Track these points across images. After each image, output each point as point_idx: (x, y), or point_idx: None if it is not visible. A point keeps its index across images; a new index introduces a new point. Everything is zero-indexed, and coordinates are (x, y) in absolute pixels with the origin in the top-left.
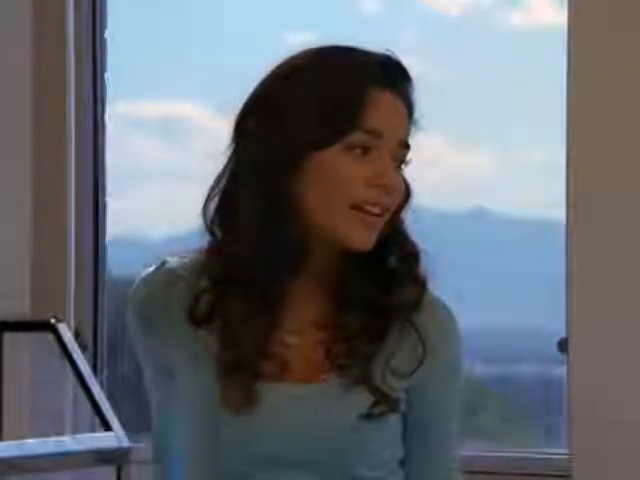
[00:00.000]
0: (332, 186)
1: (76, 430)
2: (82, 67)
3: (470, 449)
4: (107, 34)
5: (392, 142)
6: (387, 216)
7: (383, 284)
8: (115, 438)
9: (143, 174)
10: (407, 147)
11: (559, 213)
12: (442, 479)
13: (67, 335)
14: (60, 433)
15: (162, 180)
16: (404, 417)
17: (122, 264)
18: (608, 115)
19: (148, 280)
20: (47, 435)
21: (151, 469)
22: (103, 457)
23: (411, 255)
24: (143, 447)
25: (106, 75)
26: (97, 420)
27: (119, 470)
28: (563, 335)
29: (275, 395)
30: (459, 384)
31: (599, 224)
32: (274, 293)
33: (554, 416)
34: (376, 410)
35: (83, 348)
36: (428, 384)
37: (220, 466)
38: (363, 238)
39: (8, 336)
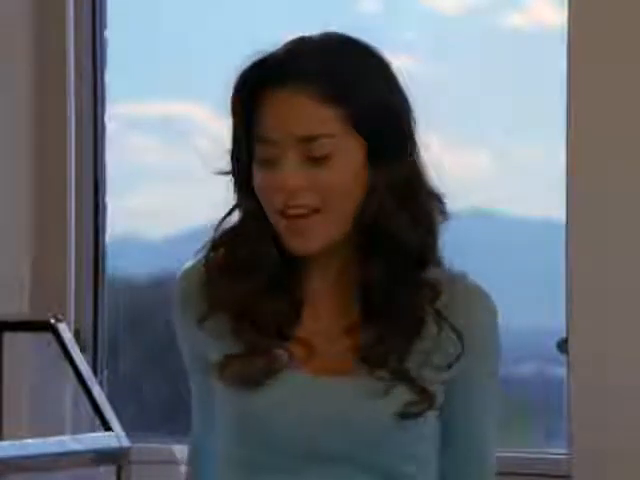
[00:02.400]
0: (259, 196)
1: (76, 430)
2: (82, 67)
3: None
4: (107, 34)
5: (289, 142)
6: (322, 216)
7: (404, 285)
8: (115, 438)
9: (143, 174)
10: (314, 139)
11: (559, 213)
12: (476, 476)
13: (67, 335)
14: (60, 433)
15: (162, 180)
16: (440, 413)
17: (122, 264)
18: (608, 115)
19: (184, 275)
20: (47, 435)
21: (153, 469)
22: (103, 457)
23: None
24: (143, 447)
25: (106, 75)
26: (97, 420)
27: (119, 470)
28: (563, 335)
29: (303, 383)
30: (495, 380)
31: (599, 224)
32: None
33: (554, 416)
34: (414, 409)
35: (83, 348)
36: (465, 380)
37: (251, 458)
38: (296, 244)
39: (8, 336)
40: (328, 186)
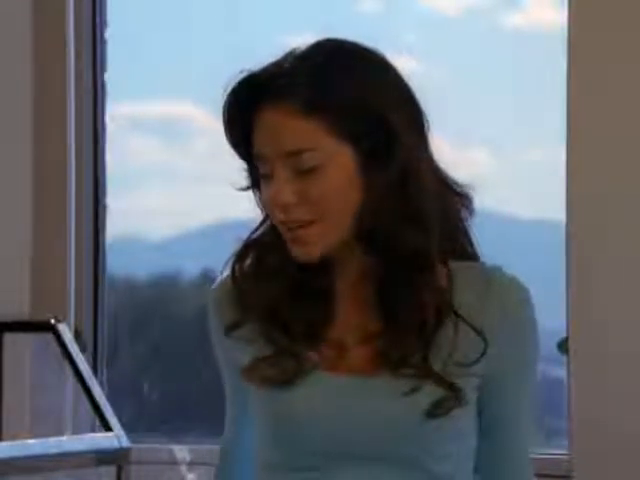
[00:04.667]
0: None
1: (76, 430)
2: (82, 67)
3: None
4: (107, 34)
5: (277, 157)
6: (319, 225)
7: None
8: (115, 438)
9: (143, 174)
10: (300, 153)
11: (559, 213)
12: (516, 475)
13: (67, 335)
14: (60, 433)
15: (162, 180)
16: (479, 414)
17: (122, 264)
18: (608, 115)
19: (215, 286)
20: (47, 435)
21: (153, 469)
22: (103, 457)
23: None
24: (143, 447)
25: (106, 75)
26: (97, 420)
27: (119, 470)
28: (563, 335)
29: (333, 384)
30: (533, 371)
31: (599, 224)
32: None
33: (554, 416)
34: (442, 406)
35: (83, 348)
36: (502, 373)
37: (284, 458)
38: (298, 252)
39: (8, 336)
40: (320, 198)
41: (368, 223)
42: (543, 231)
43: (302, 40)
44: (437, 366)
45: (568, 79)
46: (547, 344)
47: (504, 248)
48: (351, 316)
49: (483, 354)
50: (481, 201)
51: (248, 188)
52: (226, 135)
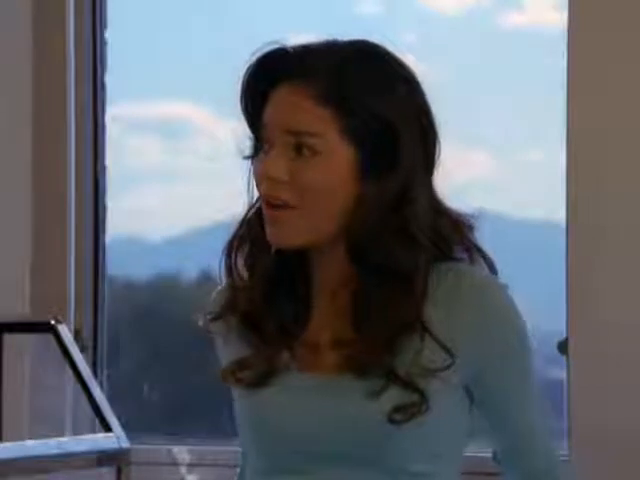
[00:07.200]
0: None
1: (76, 431)
2: (82, 68)
3: (470, 450)
4: (107, 34)
5: (279, 132)
6: (299, 212)
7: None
8: (115, 439)
9: (143, 174)
10: (302, 135)
11: (559, 213)
12: (542, 469)
13: (67, 336)
14: (60, 434)
15: (162, 180)
16: (479, 408)
17: (122, 265)
18: (608, 115)
19: (219, 290)
20: (47, 436)
21: (153, 470)
22: (103, 458)
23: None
24: (143, 448)
25: (106, 76)
26: (97, 421)
27: (119, 471)
28: (563, 336)
29: (305, 385)
30: (519, 362)
31: (599, 225)
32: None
33: (554, 416)
34: (406, 410)
35: (83, 349)
36: (487, 373)
37: (262, 460)
38: (273, 234)
39: (8, 337)
40: (309, 184)
41: (355, 232)
42: (543, 231)
43: (302, 40)
44: (402, 370)
45: (568, 79)
46: (547, 344)
47: (504, 248)
48: (327, 320)
49: (451, 364)
50: (481, 202)
51: (250, 157)
52: (240, 101)
